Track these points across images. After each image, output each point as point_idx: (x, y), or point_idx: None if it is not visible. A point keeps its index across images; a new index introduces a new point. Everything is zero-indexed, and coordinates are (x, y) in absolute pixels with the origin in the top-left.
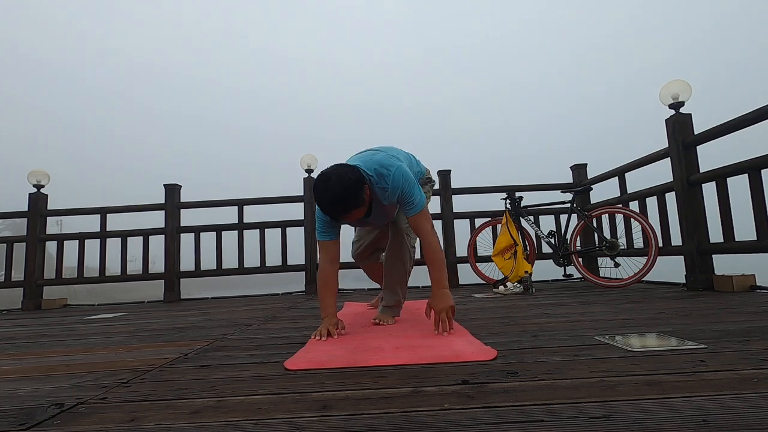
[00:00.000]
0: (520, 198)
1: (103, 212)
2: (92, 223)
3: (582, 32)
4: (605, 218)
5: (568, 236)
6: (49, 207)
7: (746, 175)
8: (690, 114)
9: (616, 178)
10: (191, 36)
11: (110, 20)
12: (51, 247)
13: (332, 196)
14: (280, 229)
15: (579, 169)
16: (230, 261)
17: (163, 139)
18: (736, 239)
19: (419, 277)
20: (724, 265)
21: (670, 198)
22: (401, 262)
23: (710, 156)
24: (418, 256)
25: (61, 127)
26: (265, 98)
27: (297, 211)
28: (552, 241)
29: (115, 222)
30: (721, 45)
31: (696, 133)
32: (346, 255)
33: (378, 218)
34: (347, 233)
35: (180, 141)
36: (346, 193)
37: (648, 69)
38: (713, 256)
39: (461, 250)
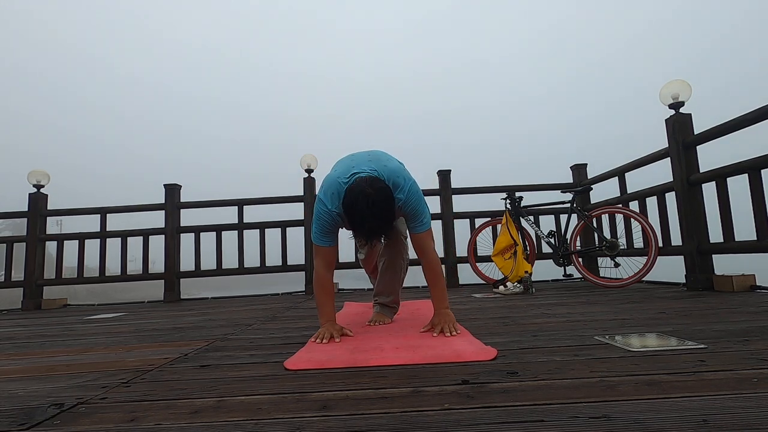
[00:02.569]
0: (520, 198)
1: (103, 212)
2: (92, 224)
3: (587, 44)
4: (605, 218)
5: (568, 236)
6: (49, 208)
7: (746, 175)
8: (690, 114)
9: (616, 178)
10: (189, 50)
11: (111, 37)
12: (51, 247)
13: (379, 219)
14: (280, 229)
15: (579, 169)
16: (230, 261)
17: (164, 150)
18: (736, 239)
19: (420, 277)
20: (724, 265)
21: (670, 198)
22: (395, 269)
23: (710, 156)
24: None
25: (61, 139)
26: (265, 111)
27: (297, 211)
28: (552, 241)
29: (115, 222)
30: (730, 55)
31: (696, 133)
32: (345, 255)
33: None
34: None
35: (180, 152)
36: (390, 216)
37: (652, 78)
38: (713, 256)
39: (461, 250)
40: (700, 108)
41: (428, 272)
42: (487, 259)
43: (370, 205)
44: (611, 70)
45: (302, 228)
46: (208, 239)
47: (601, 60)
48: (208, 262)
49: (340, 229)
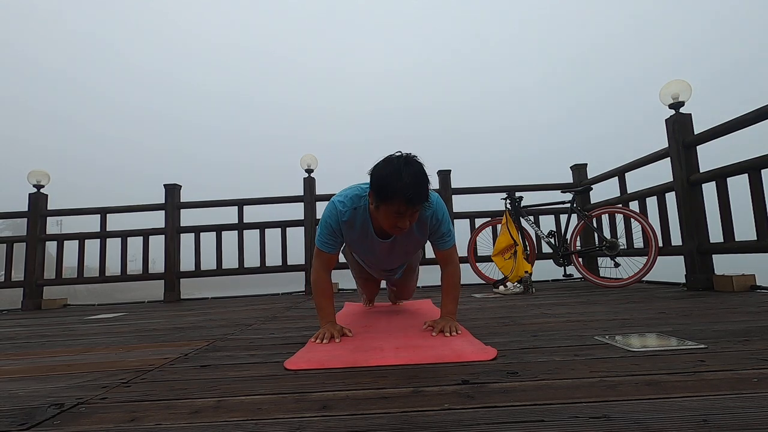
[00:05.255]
0: (520, 198)
1: (103, 212)
2: (92, 223)
3: (581, 34)
4: (605, 218)
5: (568, 236)
6: (49, 207)
7: (746, 175)
8: (690, 114)
9: (616, 178)
10: (192, 41)
11: (113, 25)
12: (51, 247)
13: (417, 171)
14: (280, 229)
15: (579, 169)
16: (230, 261)
17: (164, 142)
18: (736, 239)
19: (421, 277)
20: (724, 265)
21: (670, 198)
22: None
23: (710, 156)
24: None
25: (63, 130)
26: (265, 103)
27: (297, 211)
28: (552, 241)
29: (115, 222)
30: (722, 43)
31: (696, 133)
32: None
33: (401, 250)
34: None
35: (180, 145)
36: (425, 174)
37: (649, 69)
38: (713, 256)
39: (461, 250)
40: (701, 100)
41: (447, 282)
42: (487, 259)
43: (402, 157)
44: (616, 55)
45: (302, 228)
46: (208, 239)
47: (599, 52)
48: (208, 262)
49: (342, 243)
